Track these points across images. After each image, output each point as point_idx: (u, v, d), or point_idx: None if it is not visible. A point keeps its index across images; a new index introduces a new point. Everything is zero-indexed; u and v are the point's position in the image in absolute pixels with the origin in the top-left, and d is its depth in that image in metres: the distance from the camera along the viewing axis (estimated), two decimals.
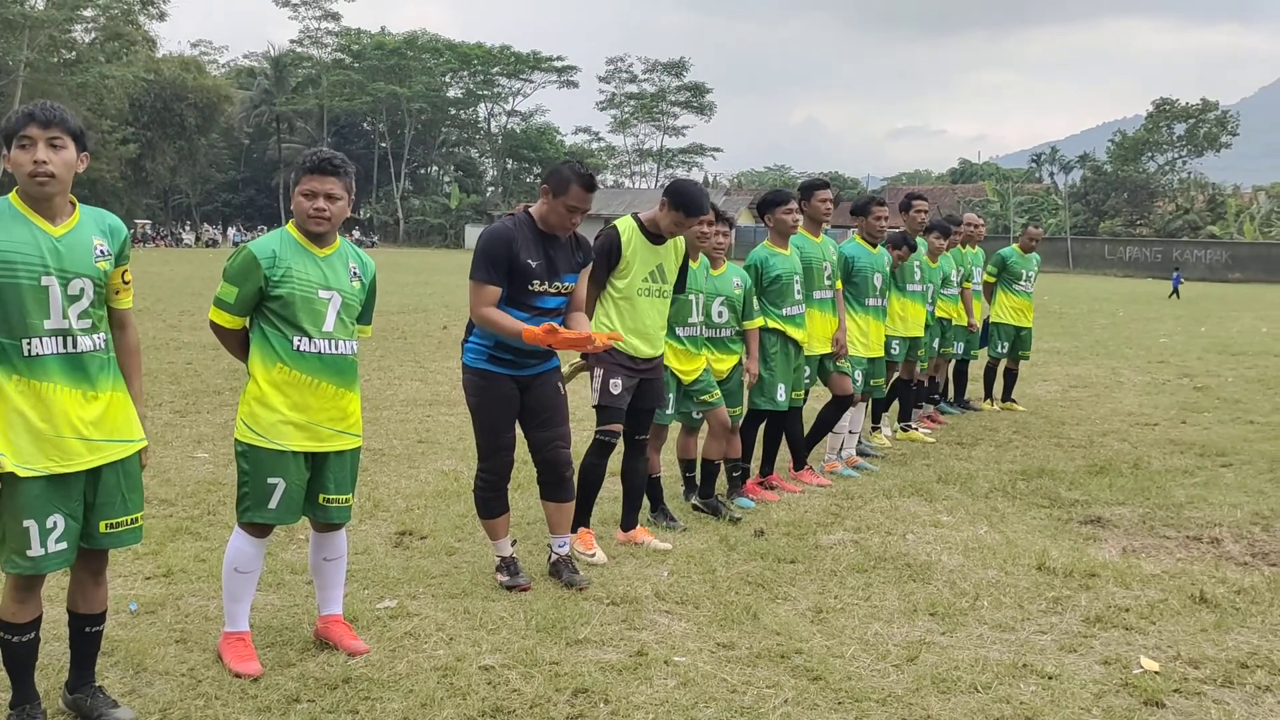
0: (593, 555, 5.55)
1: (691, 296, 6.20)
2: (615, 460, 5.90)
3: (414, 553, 5.68)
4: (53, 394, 3.38)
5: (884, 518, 6.53)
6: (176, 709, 3.78)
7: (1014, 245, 11.34)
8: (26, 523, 3.36)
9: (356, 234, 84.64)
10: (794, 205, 6.88)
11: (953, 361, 10.71)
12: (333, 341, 4.17)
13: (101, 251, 3.49)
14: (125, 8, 69.54)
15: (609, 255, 5.53)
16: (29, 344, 3.33)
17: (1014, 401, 11.11)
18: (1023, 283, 11.08)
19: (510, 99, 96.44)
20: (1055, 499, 7.10)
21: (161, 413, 9.53)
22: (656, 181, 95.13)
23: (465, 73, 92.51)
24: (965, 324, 10.27)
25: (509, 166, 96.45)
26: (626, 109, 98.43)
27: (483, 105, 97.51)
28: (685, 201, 5.53)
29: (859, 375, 7.70)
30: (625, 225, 5.60)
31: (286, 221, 4.35)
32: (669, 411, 6.22)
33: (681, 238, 5.81)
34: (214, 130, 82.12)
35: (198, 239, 75.65)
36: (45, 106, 3.41)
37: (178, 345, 14.05)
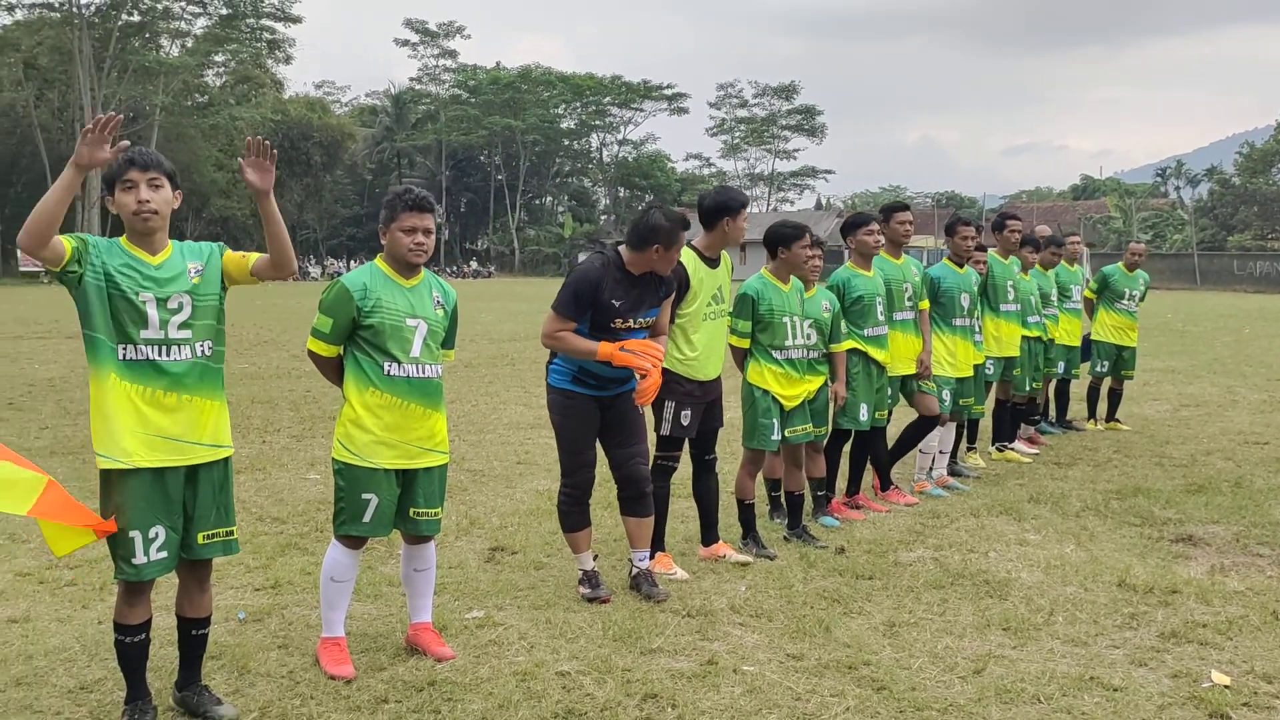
0: (673, 574, 5.74)
1: (787, 319, 6.34)
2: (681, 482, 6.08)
3: (504, 567, 5.95)
4: (147, 396, 3.75)
5: (968, 536, 6.57)
6: (275, 707, 4.09)
7: (1119, 264, 11.18)
8: (132, 533, 3.72)
9: (474, 264, 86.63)
10: (875, 227, 7.00)
11: (1054, 381, 10.61)
12: (420, 366, 4.48)
13: (196, 270, 3.88)
14: (254, 52, 72.71)
15: (681, 288, 5.74)
16: (124, 349, 3.73)
17: (1118, 421, 10.92)
18: (1125, 301, 10.90)
19: (622, 128, 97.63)
20: (1148, 517, 7.03)
21: (280, 438, 10.05)
22: (768, 205, 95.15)
23: (578, 104, 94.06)
24: (1067, 343, 10.18)
25: (621, 194, 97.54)
26: (737, 134, 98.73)
27: (595, 135, 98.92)
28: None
29: (947, 395, 7.74)
30: (688, 256, 5.79)
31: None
32: (774, 438, 6.32)
33: (728, 258, 6.03)
34: (338, 167, 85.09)
35: (323, 272, 78.31)
36: (142, 152, 3.82)
37: (298, 374, 14.70)
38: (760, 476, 6.90)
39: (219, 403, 3.95)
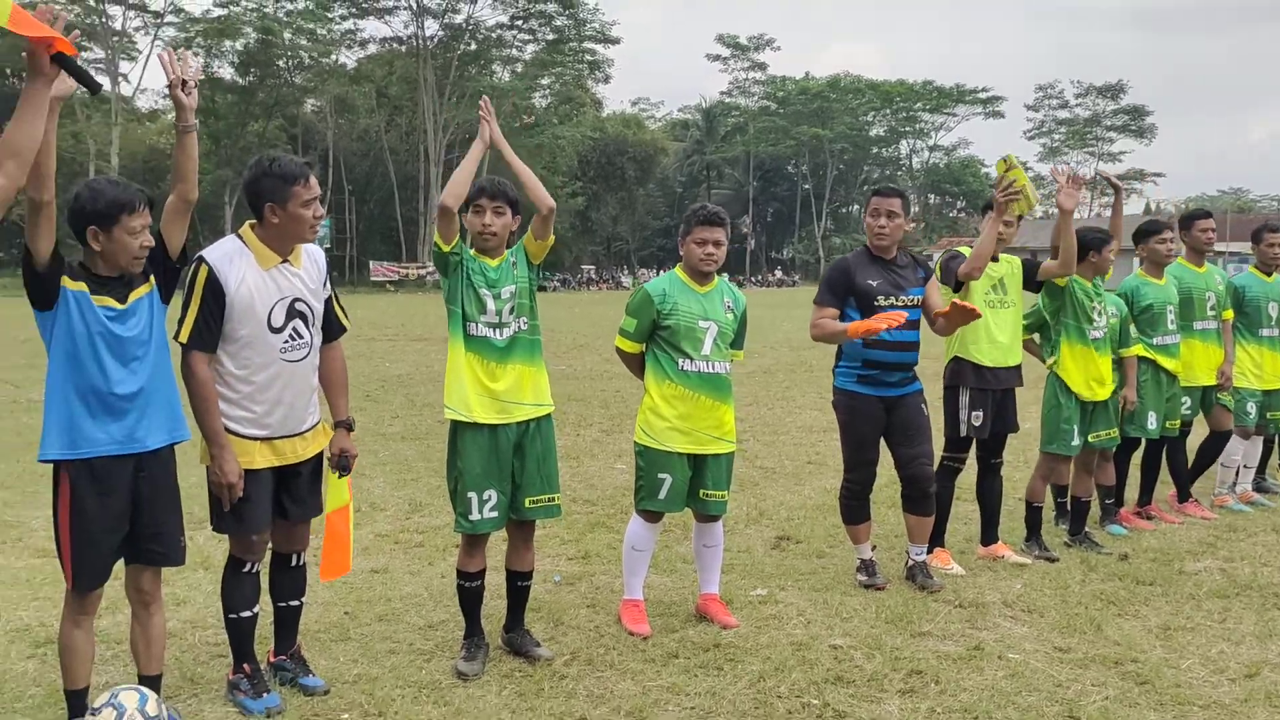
0: (950, 569, 5.99)
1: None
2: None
3: (788, 554, 6.41)
4: (482, 365, 4.50)
5: (1264, 550, 6.40)
6: (583, 654, 4.76)
7: None
8: (469, 494, 4.49)
9: (778, 273, 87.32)
10: (1168, 235, 6.92)
11: None
12: (710, 363, 5.04)
13: (512, 263, 4.63)
14: (576, 74, 76.87)
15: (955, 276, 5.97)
16: (471, 326, 4.49)
17: None
18: None
19: (933, 134, 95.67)
20: None
21: (592, 431, 10.98)
22: (1090, 211, 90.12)
23: (887, 110, 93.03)
24: None
25: (931, 201, 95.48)
26: (1056, 136, 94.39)
27: (904, 142, 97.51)
28: None
29: (1251, 408, 7.48)
30: (966, 249, 6.03)
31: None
32: (1075, 443, 6.44)
33: (1017, 259, 6.20)
34: (651, 180, 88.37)
35: (634, 282, 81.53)
36: (494, 181, 4.55)
37: (609, 376, 15.78)
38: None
39: (537, 368, 4.67)
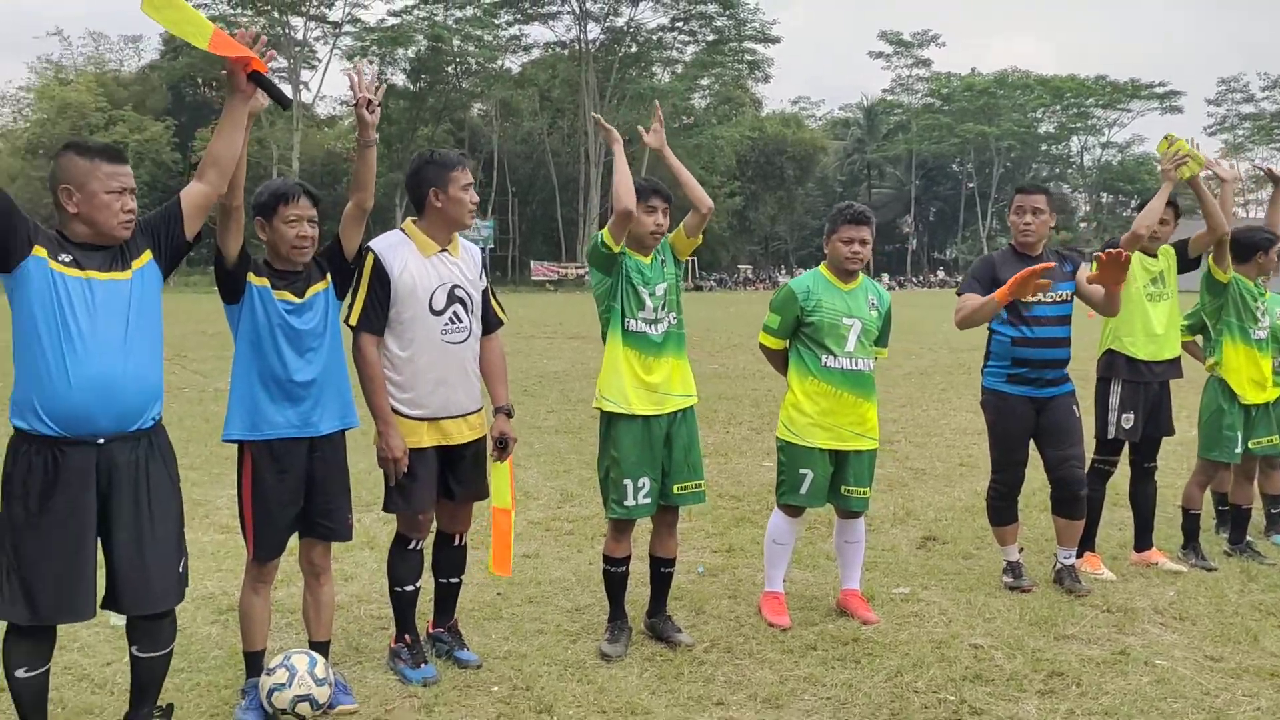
0: (1100, 574, 5.88)
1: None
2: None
3: (934, 554, 6.40)
4: (638, 359, 4.69)
5: None
6: (723, 642, 4.89)
7: None
8: (625, 481, 4.67)
9: (940, 273, 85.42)
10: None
11: None
12: (853, 359, 5.10)
13: (662, 260, 4.82)
14: (736, 74, 76.88)
15: None
16: (629, 322, 4.68)
17: None
18: None
19: (1105, 130, 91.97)
20: None
21: (741, 429, 11.10)
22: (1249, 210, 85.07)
23: (1057, 107, 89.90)
24: None
25: (1103, 200, 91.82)
26: (1240, 131, 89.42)
27: (1075, 138, 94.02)
28: None
29: None
30: None
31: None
32: (1237, 450, 6.23)
33: (1171, 250, 6.03)
34: (810, 180, 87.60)
35: None
36: (660, 183, 4.71)
37: (760, 375, 15.81)
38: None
39: (684, 360, 4.85)
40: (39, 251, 3.34)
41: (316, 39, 69.62)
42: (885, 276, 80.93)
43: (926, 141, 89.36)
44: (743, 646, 4.84)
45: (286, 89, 3.79)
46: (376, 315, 4.27)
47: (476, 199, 4.51)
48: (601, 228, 4.70)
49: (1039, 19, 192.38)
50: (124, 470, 3.44)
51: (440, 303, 4.35)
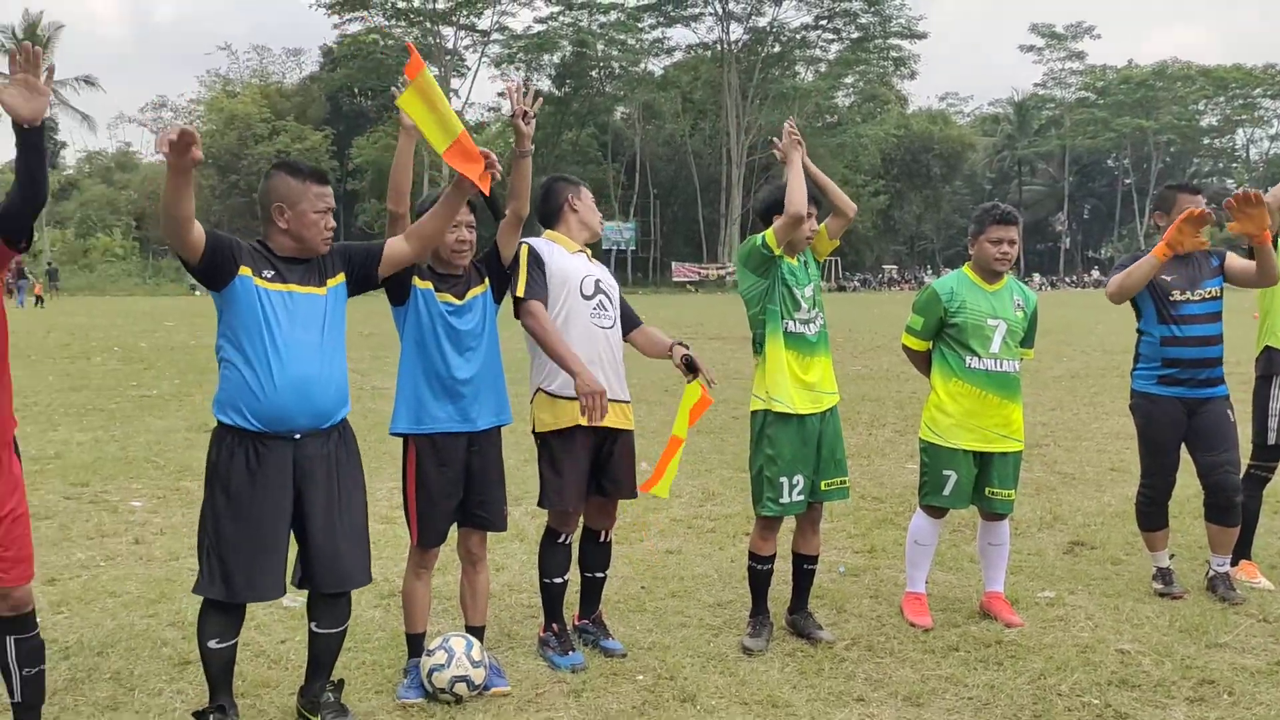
0: (1257, 582, 5.71)
1: None
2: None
3: (1081, 559, 6.31)
4: (797, 359, 4.82)
5: None
6: (864, 640, 4.95)
7: None
8: (781, 479, 4.79)
9: (1095, 273, 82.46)
10: None
11: None
12: (998, 361, 5.09)
13: (804, 263, 4.90)
14: (881, 71, 75.80)
15: None
16: (788, 323, 4.79)
17: None
18: None
19: (1275, 121, 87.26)
20: None
21: (884, 432, 11.05)
22: None
23: (1221, 98, 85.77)
24: None
25: None
26: None
27: (1240, 131, 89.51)
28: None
29: None
30: None
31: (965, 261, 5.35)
32: None
33: None
34: (957, 177, 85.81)
35: None
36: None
37: (905, 378, 15.65)
38: None
39: (830, 358, 4.95)
40: (244, 271, 3.64)
41: (466, 48, 71.60)
42: (1036, 276, 78.62)
43: (1081, 136, 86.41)
44: (884, 645, 4.89)
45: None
46: (539, 285, 4.51)
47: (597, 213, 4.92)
48: (748, 229, 4.83)
49: (1201, 7, 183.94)
50: (317, 462, 3.74)
51: (589, 289, 4.63)
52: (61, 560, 6.07)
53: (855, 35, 72.45)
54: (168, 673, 4.50)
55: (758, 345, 4.92)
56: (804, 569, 5.06)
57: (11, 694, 3.65)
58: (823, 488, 4.91)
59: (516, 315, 4.49)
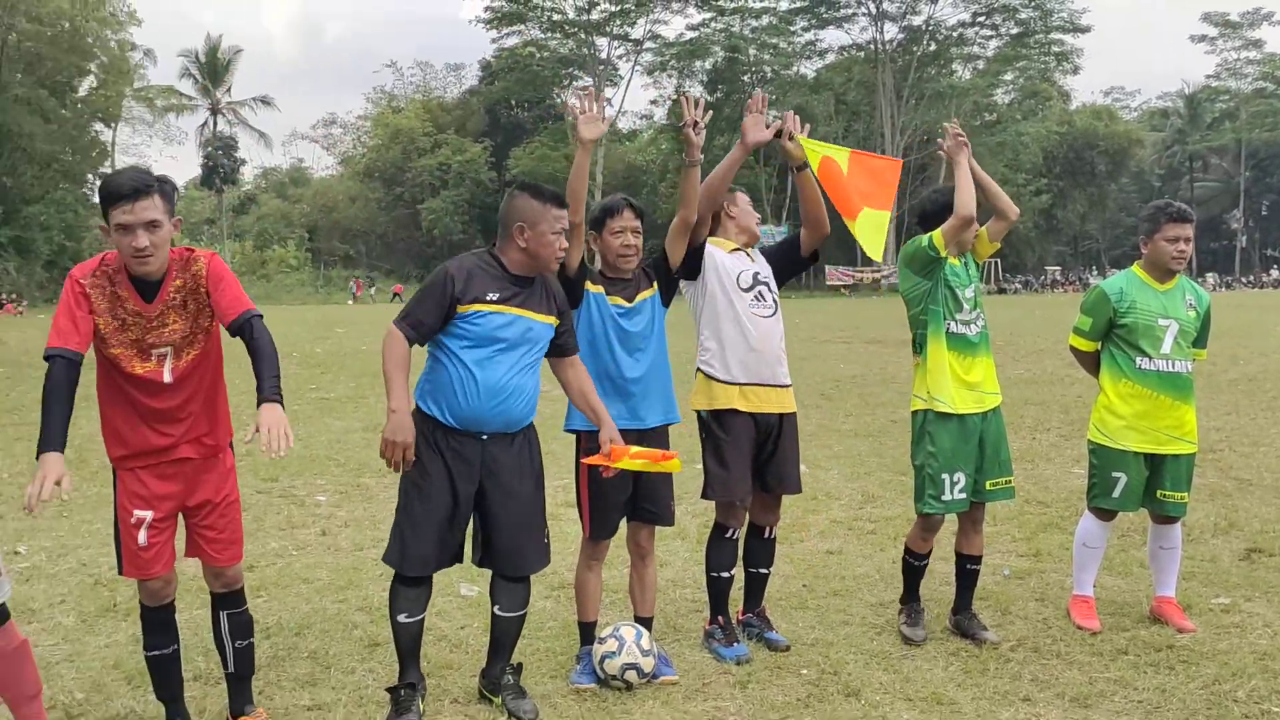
0: None
1: None
2: None
3: (1258, 567, 6.11)
4: (959, 359, 4.87)
5: None
6: (1029, 641, 4.94)
7: None
8: (943, 476, 4.85)
9: (1274, 272, 78.09)
10: None
11: None
12: (1170, 361, 5.01)
13: (965, 264, 4.94)
14: (1042, 67, 73.53)
15: None
16: (950, 324, 4.86)
17: None
18: None
19: None
20: None
21: (1049, 436, 10.82)
22: None
23: None
24: None
25: None
26: None
27: None
28: None
29: None
30: None
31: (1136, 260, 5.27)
32: None
33: None
34: (1124, 174, 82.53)
35: None
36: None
37: (1070, 381, 15.24)
38: None
39: (992, 358, 4.99)
40: (466, 309, 3.94)
41: (619, 57, 72.49)
42: (1210, 276, 74.94)
43: (1258, 129, 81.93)
44: (1050, 647, 4.87)
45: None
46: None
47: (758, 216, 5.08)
48: (904, 231, 4.90)
49: None
50: (501, 460, 4.04)
51: (746, 282, 4.79)
52: (258, 549, 6.52)
53: (1015, 31, 70.49)
54: (359, 653, 4.83)
55: (918, 346, 4.98)
56: (967, 569, 5.08)
57: (225, 665, 4.01)
58: (987, 487, 4.93)
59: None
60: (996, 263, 67.02)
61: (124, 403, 3.68)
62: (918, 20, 70.12)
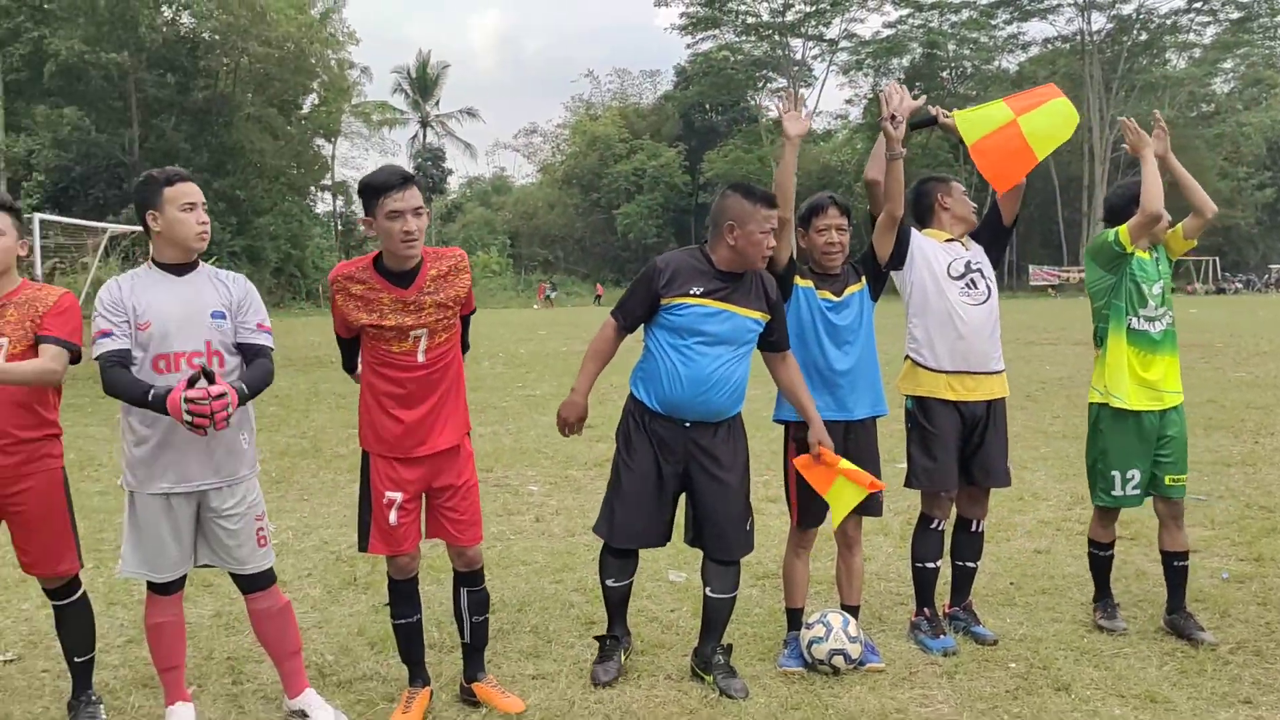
0: None
1: None
2: None
3: None
4: (1139, 356, 4.85)
5: None
6: (1250, 645, 4.80)
7: None
8: (1113, 472, 4.86)
9: None
10: None
11: None
12: None
13: (1156, 258, 4.92)
14: (1266, 53, 68.91)
15: None
16: (1132, 320, 4.83)
17: None
18: None
19: None
20: None
21: (1272, 440, 10.27)
22: None
23: None
24: None
25: None
26: None
27: None
28: None
29: None
30: None
31: None
32: None
33: None
34: None
35: None
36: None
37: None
38: None
39: (1177, 357, 4.94)
40: (669, 300, 4.22)
41: (814, 57, 72.03)
42: None
43: None
44: (1273, 651, 4.72)
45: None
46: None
47: (975, 206, 5.10)
48: (1100, 226, 4.86)
49: None
50: (703, 447, 4.29)
51: (958, 270, 4.86)
52: None
53: (1235, 16, 66.29)
54: (577, 630, 5.12)
55: (1099, 339, 4.97)
56: (1174, 565, 4.98)
57: (462, 636, 4.35)
58: (1168, 483, 4.90)
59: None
60: (1214, 261, 63.23)
61: (382, 392, 4.04)
62: (1128, 9, 66.88)
